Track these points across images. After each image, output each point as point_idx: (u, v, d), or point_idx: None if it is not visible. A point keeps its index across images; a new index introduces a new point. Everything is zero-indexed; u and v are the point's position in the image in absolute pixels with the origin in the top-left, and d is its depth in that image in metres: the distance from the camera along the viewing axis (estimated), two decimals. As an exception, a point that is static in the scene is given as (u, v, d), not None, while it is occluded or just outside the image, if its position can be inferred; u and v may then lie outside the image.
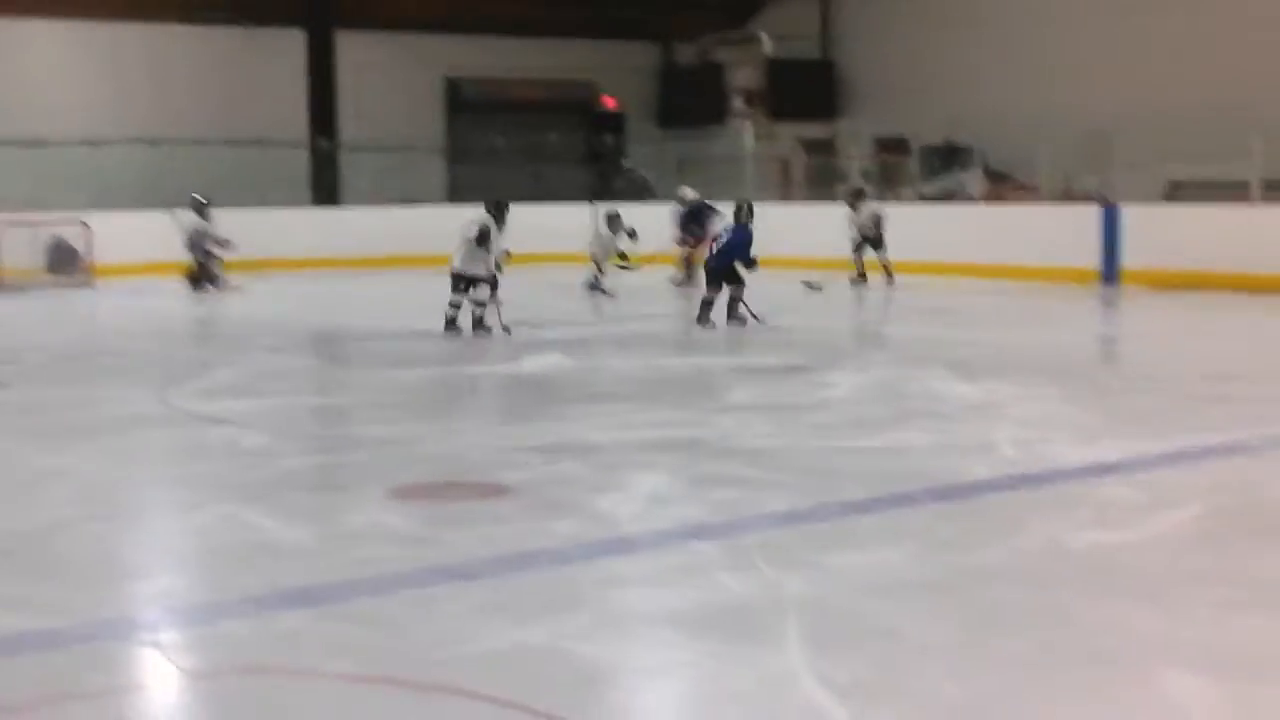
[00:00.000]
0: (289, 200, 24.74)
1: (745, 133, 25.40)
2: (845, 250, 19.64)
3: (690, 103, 29.59)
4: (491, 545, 6.45)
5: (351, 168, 26.33)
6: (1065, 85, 24.17)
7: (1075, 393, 10.73)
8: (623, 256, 18.66)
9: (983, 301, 17.15)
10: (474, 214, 14.50)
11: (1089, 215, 19.60)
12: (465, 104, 28.73)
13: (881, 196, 25.23)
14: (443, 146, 28.24)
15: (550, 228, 23.80)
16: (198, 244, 20.21)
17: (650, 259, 19.34)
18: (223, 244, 20.19)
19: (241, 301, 18.94)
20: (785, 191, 26.05)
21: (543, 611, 5.50)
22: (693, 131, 28.98)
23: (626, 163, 27.13)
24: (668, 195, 26.21)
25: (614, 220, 18.76)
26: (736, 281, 14.60)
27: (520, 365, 12.17)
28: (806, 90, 28.92)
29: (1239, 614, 5.43)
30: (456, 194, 27.01)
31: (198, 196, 20.48)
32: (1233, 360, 12.47)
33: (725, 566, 6.05)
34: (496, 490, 7.47)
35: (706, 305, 14.68)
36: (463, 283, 14.18)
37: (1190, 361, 12.31)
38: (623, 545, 6.48)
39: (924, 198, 23.86)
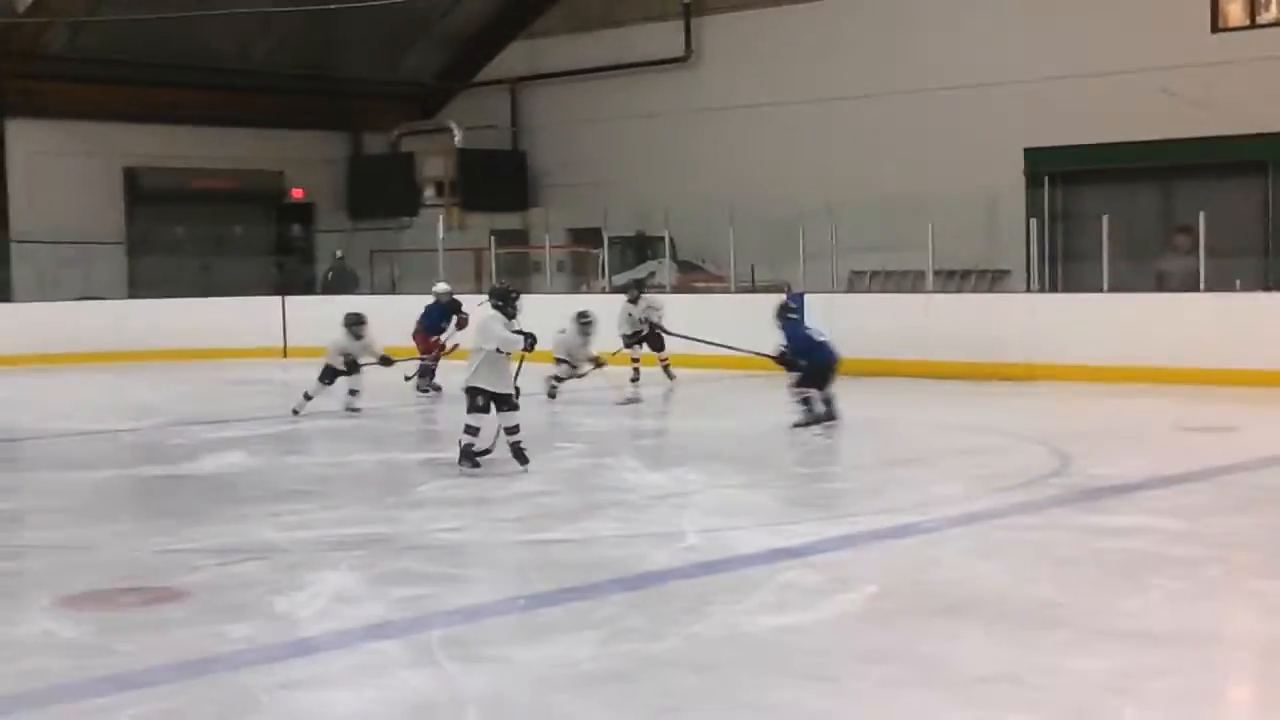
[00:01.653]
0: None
1: (437, 223, 25.35)
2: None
3: (381, 193, 29.46)
4: (165, 652, 6.25)
5: (24, 262, 25.26)
6: (752, 177, 24.99)
7: (760, 479, 11.00)
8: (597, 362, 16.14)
9: (673, 390, 17.41)
10: (480, 314, 11.49)
11: (773, 305, 20.17)
12: (146, 194, 27.83)
13: (574, 287, 25.61)
14: (122, 238, 27.35)
15: (233, 322, 23.37)
16: None
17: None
18: None
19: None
20: (478, 283, 26.09)
21: (217, 719, 5.33)
22: (384, 222, 28.86)
23: (339, 253, 26.72)
24: (382, 288, 26.10)
25: (586, 321, 16.25)
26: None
27: (200, 465, 11.85)
28: (498, 181, 29.15)
29: (904, 691, 5.61)
30: (137, 288, 26.21)
31: None
32: (909, 444, 12.95)
33: (407, 665, 6.00)
34: (170, 595, 7.23)
35: (808, 403, 13.36)
36: (481, 398, 11.02)
37: (869, 446, 12.72)
38: (302, 647, 6.34)
39: (616, 288, 24.19)
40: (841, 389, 13.50)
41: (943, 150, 23.34)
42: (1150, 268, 19.13)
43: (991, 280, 22.92)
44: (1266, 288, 18.90)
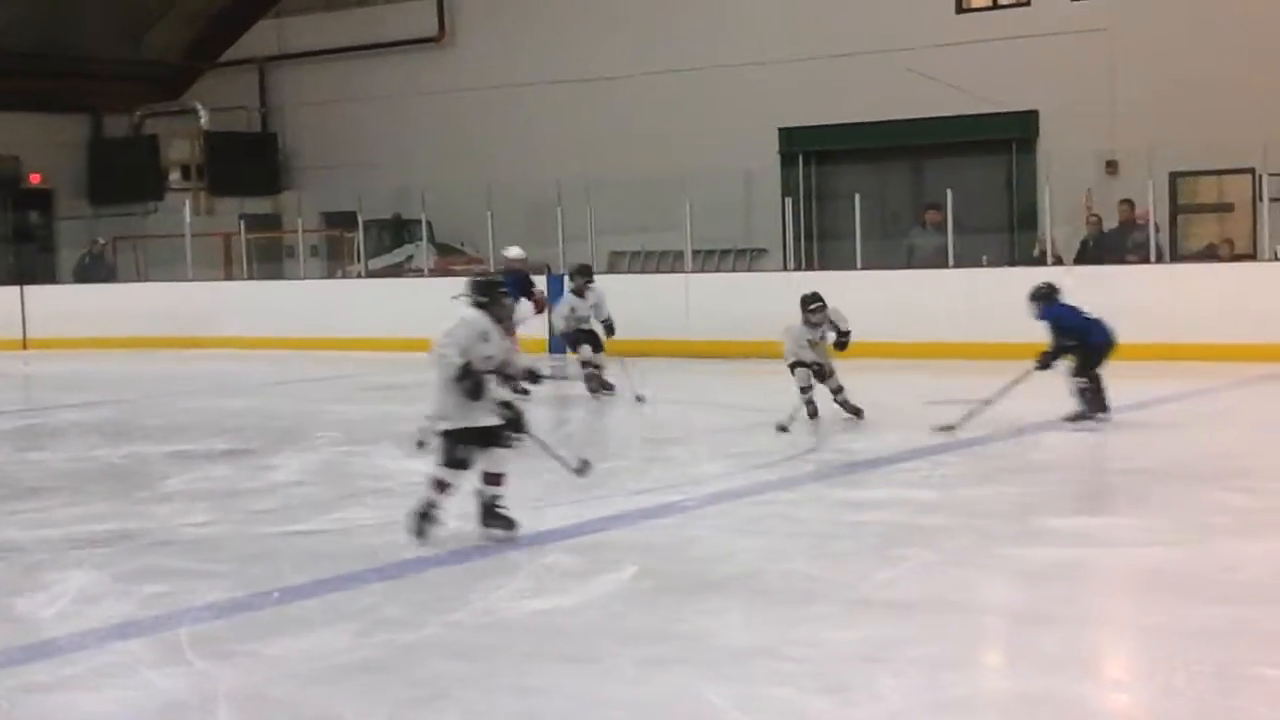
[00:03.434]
0: None
1: (184, 208, 24.59)
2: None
3: (124, 178, 28.44)
4: (-108, 661, 5.93)
5: None
6: (510, 158, 24.84)
7: (521, 462, 10.87)
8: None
9: (433, 375, 17.23)
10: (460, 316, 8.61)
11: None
12: None
13: (329, 272, 25.13)
14: None
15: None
16: None
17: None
18: None
19: None
20: (228, 269, 25.47)
21: (-53, 730, 5.09)
22: (128, 208, 27.93)
23: (102, 240, 25.67)
24: (128, 276, 25.24)
25: (816, 306, 12.32)
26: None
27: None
28: (247, 164, 28.43)
29: (666, 669, 5.62)
30: None
31: None
32: (669, 424, 13.02)
33: (154, 664, 5.80)
34: (-100, 601, 6.87)
35: (1084, 394, 11.53)
36: (461, 448, 7.92)
37: (633, 426, 12.73)
38: (44, 649, 6.09)
39: (373, 272, 23.87)
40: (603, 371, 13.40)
41: (699, 130, 23.52)
42: (901, 244, 19.60)
43: (750, 259, 23.22)
44: (1011, 262, 19.53)
